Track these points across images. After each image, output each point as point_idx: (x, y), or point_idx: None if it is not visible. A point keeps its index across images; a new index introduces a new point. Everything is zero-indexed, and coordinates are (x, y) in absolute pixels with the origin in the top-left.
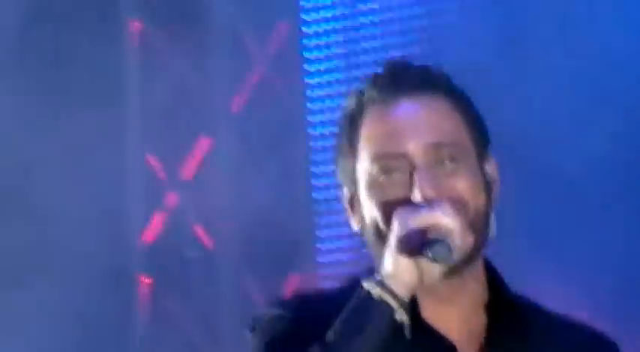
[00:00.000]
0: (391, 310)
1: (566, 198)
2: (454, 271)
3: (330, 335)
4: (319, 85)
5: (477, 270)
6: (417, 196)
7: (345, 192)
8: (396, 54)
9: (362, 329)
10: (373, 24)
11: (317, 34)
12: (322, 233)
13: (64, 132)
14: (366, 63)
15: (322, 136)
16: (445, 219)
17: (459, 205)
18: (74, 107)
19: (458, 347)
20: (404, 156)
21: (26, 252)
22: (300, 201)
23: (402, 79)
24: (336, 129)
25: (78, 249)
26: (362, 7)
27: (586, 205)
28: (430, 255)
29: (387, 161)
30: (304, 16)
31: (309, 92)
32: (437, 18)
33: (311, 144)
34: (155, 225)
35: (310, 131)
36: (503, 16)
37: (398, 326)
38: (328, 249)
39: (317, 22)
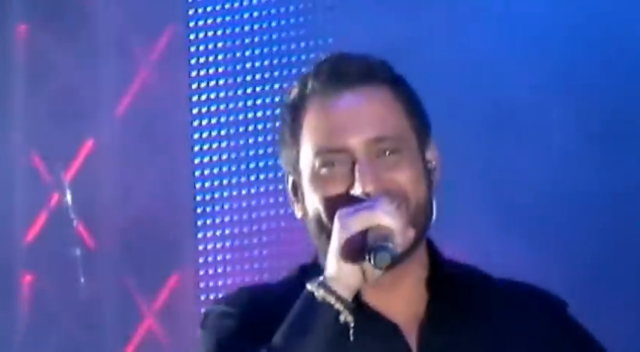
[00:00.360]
0: (335, 312)
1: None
2: (395, 264)
3: (276, 338)
4: (203, 90)
5: (420, 254)
6: (357, 190)
7: (289, 179)
8: (280, 61)
9: (307, 331)
10: (258, 31)
11: (203, 40)
12: (202, 234)
13: None
14: (250, 70)
15: (204, 140)
16: (385, 219)
17: (400, 198)
18: None
19: (401, 326)
20: (345, 150)
21: None
22: (182, 202)
23: (345, 70)
24: (278, 117)
25: None
26: (247, 15)
27: None
28: (372, 262)
29: (329, 155)
30: (191, 22)
31: (193, 97)
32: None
33: (194, 147)
34: (39, 224)
35: (193, 134)
36: None
37: (343, 327)
38: (208, 249)
39: (203, 27)
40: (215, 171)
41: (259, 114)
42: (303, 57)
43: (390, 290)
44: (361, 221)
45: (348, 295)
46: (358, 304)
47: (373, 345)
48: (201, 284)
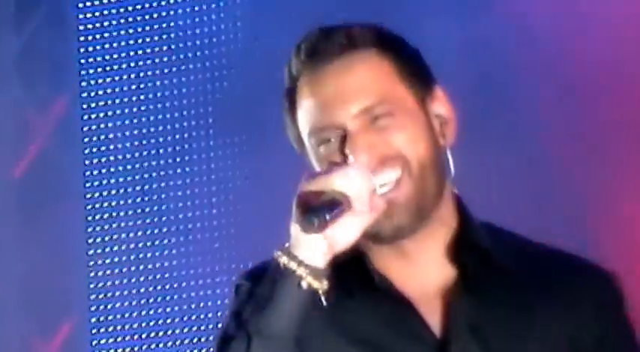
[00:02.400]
0: (298, 278)
1: None
2: (403, 230)
3: (249, 310)
4: (97, 154)
5: (442, 215)
6: (351, 161)
7: (302, 154)
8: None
9: (272, 300)
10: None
11: (96, 108)
12: (94, 285)
13: None
14: (146, 133)
15: (96, 201)
16: (338, 184)
17: (399, 162)
18: None
19: (421, 300)
20: (336, 126)
21: None
22: (75, 257)
23: (323, 45)
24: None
25: None
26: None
27: None
28: (299, 226)
29: (322, 133)
30: (83, 92)
31: (87, 161)
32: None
33: (87, 208)
34: None
35: (86, 197)
36: None
37: (338, 291)
38: (100, 298)
39: (96, 96)
40: (106, 227)
41: (148, 175)
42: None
43: (409, 258)
44: (314, 184)
45: (317, 261)
46: (364, 274)
47: (377, 320)
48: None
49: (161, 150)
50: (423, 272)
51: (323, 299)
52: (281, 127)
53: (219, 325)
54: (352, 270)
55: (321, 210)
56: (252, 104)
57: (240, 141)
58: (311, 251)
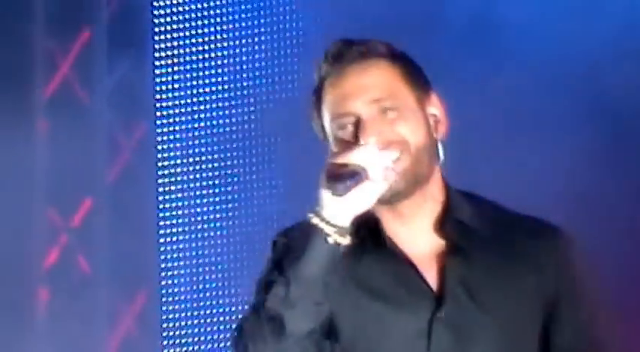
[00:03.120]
0: (325, 235)
1: None
2: (400, 194)
3: (286, 263)
4: (168, 167)
5: (432, 191)
6: (361, 142)
7: (324, 141)
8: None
9: (304, 254)
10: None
11: (169, 132)
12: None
13: None
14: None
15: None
16: (356, 158)
17: (401, 146)
18: None
19: (417, 264)
20: (352, 113)
21: None
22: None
23: (347, 52)
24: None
25: None
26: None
27: None
28: (327, 190)
29: (341, 119)
30: (158, 119)
31: (159, 165)
32: None
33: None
34: (52, 256)
35: (159, 199)
36: None
37: (356, 249)
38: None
39: (169, 123)
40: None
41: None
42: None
43: (408, 223)
44: (340, 158)
45: (341, 221)
46: (376, 235)
47: (387, 275)
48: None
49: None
50: (419, 238)
51: (342, 250)
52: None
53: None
54: (368, 233)
55: (344, 177)
56: None
57: None
58: (336, 212)
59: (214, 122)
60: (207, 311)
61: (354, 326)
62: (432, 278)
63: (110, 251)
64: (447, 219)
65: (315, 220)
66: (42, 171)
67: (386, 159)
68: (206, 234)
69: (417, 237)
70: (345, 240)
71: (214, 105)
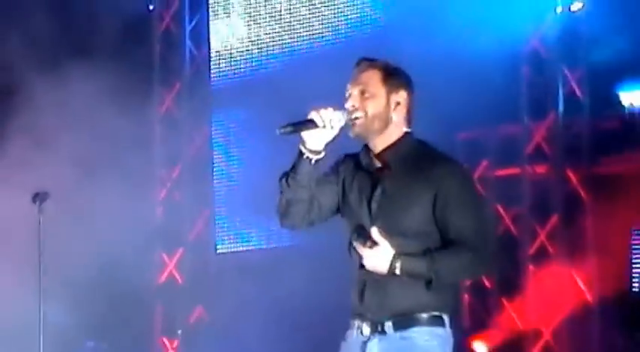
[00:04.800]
0: (302, 153)
1: None
2: (361, 136)
3: (287, 173)
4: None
5: (391, 137)
6: (346, 105)
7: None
8: None
9: (297, 160)
10: None
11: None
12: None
13: None
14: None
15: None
16: (322, 115)
17: (363, 112)
18: None
19: (373, 172)
20: (348, 90)
21: None
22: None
23: (360, 63)
24: None
25: None
26: None
27: None
28: (289, 128)
29: (347, 92)
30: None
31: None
32: None
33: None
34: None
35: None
36: None
37: (358, 165)
38: None
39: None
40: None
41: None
42: None
43: (375, 151)
44: (311, 115)
45: (312, 146)
46: (368, 154)
47: (362, 175)
48: None
49: None
50: (378, 159)
51: (315, 162)
52: None
53: None
54: (364, 156)
55: (306, 123)
56: None
57: None
58: (309, 141)
59: None
60: None
61: (345, 198)
62: (376, 179)
63: (162, 221)
64: (390, 149)
65: (300, 147)
66: None
67: (340, 119)
68: None
69: (378, 158)
70: (317, 156)
71: None
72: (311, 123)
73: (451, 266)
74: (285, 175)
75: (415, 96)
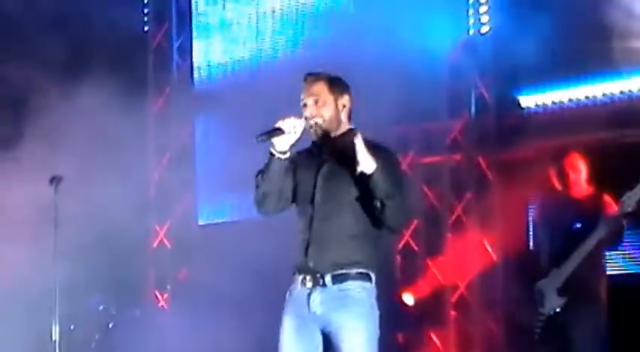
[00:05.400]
0: (273, 153)
1: None
2: (321, 132)
3: (261, 171)
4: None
5: (341, 130)
6: (304, 114)
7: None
8: None
9: (268, 160)
10: None
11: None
12: None
13: None
14: None
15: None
16: (287, 124)
17: (321, 117)
18: None
19: (323, 158)
20: (303, 101)
21: None
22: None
23: (307, 78)
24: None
25: None
26: None
27: None
28: (264, 137)
29: (301, 102)
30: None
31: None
32: None
33: None
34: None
35: None
36: None
37: (318, 153)
38: None
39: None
40: None
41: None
42: None
43: (330, 143)
44: (279, 124)
45: (280, 147)
46: (325, 146)
47: (315, 161)
48: None
49: None
50: (328, 147)
51: (283, 160)
52: None
53: None
54: (316, 150)
55: (275, 131)
56: None
57: None
58: (278, 144)
59: None
60: None
61: (297, 183)
62: (324, 162)
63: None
64: (333, 141)
65: (270, 149)
66: None
67: (302, 125)
68: None
69: (330, 149)
70: (284, 156)
71: None
72: (279, 131)
73: (387, 183)
74: (260, 172)
75: (353, 98)
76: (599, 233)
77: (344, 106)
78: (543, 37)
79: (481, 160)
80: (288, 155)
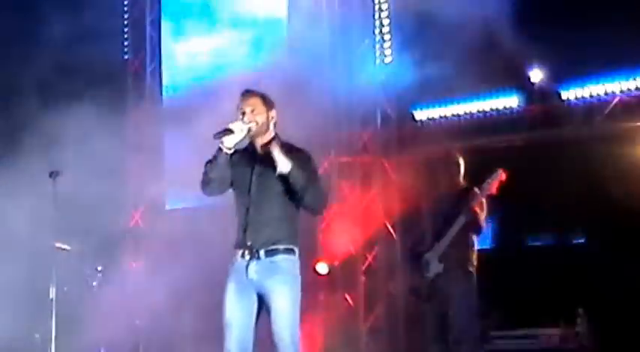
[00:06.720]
0: (221, 149)
1: None
2: (254, 137)
3: (209, 164)
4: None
5: (267, 136)
6: (242, 120)
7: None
8: None
9: (216, 153)
10: None
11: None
12: None
13: None
14: None
15: None
16: (235, 126)
17: (255, 123)
18: None
19: (256, 158)
20: (242, 110)
21: None
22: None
23: (245, 93)
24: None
25: None
26: None
27: None
28: (220, 135)
29: (239, 111)
30: None
31: None
32: None
33: None
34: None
35: None
36: None
37: (251, 152)
38: None
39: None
40: None
41: None
42: None
43: (258, 145)
44: (229, 125)
45: (228, 144)
46: (254, 145)
47: (251, 160)
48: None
49: None
50: (259, 150)
51: (228, 154)
52: None
53: None
54: (251, 149)
55: (222, 132)
56: None
57: None
58: (226, 141)
59: None
60: None
61: (234, 176)
62: (257, 160)
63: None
64: (266, 144)
65: (219, 144)
66: None
67: (245, 127)
68: None
69: (259, 150)
70: (230, 151)
71: None
72: (229, 131)
73: (303, 178)
74: (209, 162)
75: (278, 112)
76: (461, 220)
77: (272, 117)
78: (433, 65)
79: (385, 162)
80: (232, 151)
